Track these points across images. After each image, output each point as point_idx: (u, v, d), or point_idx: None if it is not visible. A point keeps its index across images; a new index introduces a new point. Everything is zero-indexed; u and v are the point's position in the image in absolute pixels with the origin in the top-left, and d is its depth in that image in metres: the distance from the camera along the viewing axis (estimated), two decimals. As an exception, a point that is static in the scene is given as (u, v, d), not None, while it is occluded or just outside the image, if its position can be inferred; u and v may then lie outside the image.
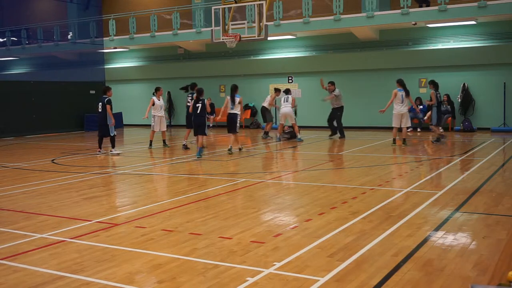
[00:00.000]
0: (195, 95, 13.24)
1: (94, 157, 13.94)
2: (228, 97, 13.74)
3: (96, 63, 25.91)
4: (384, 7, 19.78)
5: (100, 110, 14.12)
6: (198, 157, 12.65)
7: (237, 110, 13.58)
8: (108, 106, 13.93)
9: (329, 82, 17.14)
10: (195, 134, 13.11)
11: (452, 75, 19.79)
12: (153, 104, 14.99)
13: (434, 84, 14.60)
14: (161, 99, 15.20)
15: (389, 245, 5.32)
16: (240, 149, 14.03)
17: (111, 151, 14.10)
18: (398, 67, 20.58)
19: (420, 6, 18.91)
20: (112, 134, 14.10)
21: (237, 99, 13.56)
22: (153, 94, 15.21)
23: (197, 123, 12.96)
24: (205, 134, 13.21)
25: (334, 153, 13.74)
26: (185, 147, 14.64)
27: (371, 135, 18.35)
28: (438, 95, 14.63)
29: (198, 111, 12.84)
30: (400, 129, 14.28)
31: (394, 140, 14.49)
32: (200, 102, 12.83)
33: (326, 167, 11.36)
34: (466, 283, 4.26)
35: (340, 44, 21.58)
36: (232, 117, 13.58)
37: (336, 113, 17.10)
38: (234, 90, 13.75)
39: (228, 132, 14.08)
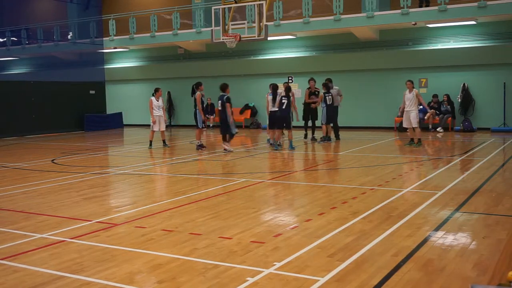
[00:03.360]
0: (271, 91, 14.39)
1: (94, 157, 13.93)
2: (269, 96, 14.45)
3: (96, 63, 25.93)
4: (384, 7, 19.78)
5: (220, 108, 14.03)
6: (291, 149, 13.82)
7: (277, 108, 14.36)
8: (228, 104, 13.69)
9: (326, 79, 16.42)
10: (279, 128, 14.06)
11: (452, 75, 19.79)
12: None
13: (326, 86, 15.54)
14: (160, 99, 15.22)
15: (389, 245, 5.32)
16: (278, 144, 14.70)
17: (225, 149, 13.89)
18: (398, 67, 20.59)
19: (420, 6, 18.92)
20: (233, 133, 13.97)
21: (277, 98, 14.25)
22: (153, 94, 15.25)
23: (283, 117, 13.82)
24: (290, 128, 14.07)
25: (334, 153, 13.74)
26: (279, 145, 14.61)
27: (371, 135, 18.35)
28: (328, 96, 15.54)
29: (284, 107, 13.68)
30: (413, 129, 14.14)
31: (412, 140, 14.34)
32: (286, 98, 13.68)
33: (326, 167, 11.36)
34: (466, 283, 4.26)
35: (340, 44, 21.58)
36: (273, 115, 14.33)
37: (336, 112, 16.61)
38: (276, 89, 14.52)
39: (269, 128, 14.79)
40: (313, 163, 11.99)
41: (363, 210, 6.87)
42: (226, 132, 13.91)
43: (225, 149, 13.79)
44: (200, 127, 14.46)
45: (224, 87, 14.19)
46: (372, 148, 14.38)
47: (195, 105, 14.57)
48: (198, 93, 14.27)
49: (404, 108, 14.01)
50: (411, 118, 13.85)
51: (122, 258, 5.11)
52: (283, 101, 13.71)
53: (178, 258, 5.04)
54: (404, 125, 14.25)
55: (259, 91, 22.66)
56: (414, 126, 13.95)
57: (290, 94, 14.02)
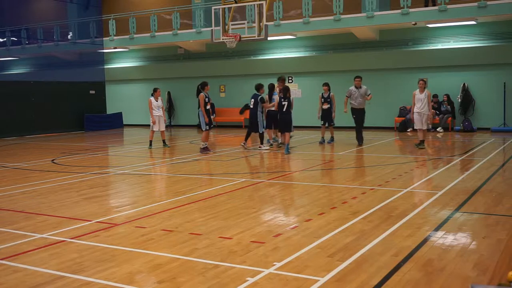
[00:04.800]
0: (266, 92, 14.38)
1: (94, 157, 13.93)
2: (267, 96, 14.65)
3: (96, 63, 25.92)
4: (384, 7, 19.78)
5: (251, 107, 14.19)
6: (286, 154, 13.18)
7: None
8: (264, 104, 14.09)
9: (356, 77, 15.01)
10: (282, 131, 13.55)
11: (452, 75, 19.79)
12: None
13: (327, 85, 15.19)
14: (159, 99, 15.22)
15: (389, 245, 5.32)
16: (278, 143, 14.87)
17: (259, 147, 14.27)
18: (398, 67, 20.60)
19: (426, 5, 18.95)
20: (261, 131, 14.24)
21: (275, 97, 14.13)
22: (152, 94, 15.25)
23: (284, 120, 13.28)
24: (291, 131, 13.55)
25: (334, 153, 13.74)
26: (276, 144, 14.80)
27: (371, 135, 18.34)
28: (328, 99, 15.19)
29: (285, 109, 13.18)
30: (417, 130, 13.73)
31: (421, 141, 13.82)
32: (287, 100, 13.20)
33: (326, 167, 11.36)
34: (466, 283, 4.26)
35: (340, 44, 21.58)
36: (272, 115, 14.26)
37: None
38: (271, 89, 14.59)
39: (267, 128, 14.85)
40: (313, 163, 11.99)
41: (363, 210, 6.87)
42: (254, 130, 14.25)
43: (259, 147, 14.26)
44: (204, 129, 13.81)
45: (258, 87, 14.37)
46: (372, 148, 14.37)
47: (199, 106, 14.15)
48: (201, 94, 13.81)
49: (414, 109, 13.41)
50: (424, 119, 13.30)
51: (122, 258, 5.11)
52: (283, 103, 13.22)
53: (178, 258, 5.04)
54: (416, 126, 13.62)
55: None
56: (426, 128, 13.46)
57: (288, 95, 13.58)
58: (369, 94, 15.01)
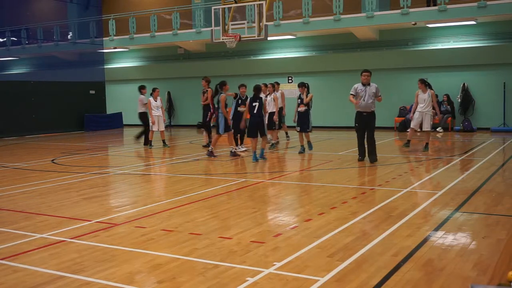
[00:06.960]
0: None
1: (94, 157, 13.93)
2: (268, 97, 14.36)
3: (96, 63, 25.93)
4: (384, 7, 19.80)
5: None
6: (258, 159, 12.03)
7: (270, 109, 14.06)
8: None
9: (365, 71, 11.46)
10: (250, 136, 12.17)
11: (452, 75, 19.80)
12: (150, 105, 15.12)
13: (303, 85, 13.21)
14: (158, 99, 15.24)
15: (389, 245, 5.32)
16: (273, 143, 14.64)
17: (209, 149, 13.20)
18: (398, 67, 20.60)
19: (428, 5, 18.98)
20: (220, 133, 12.90)
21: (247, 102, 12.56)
22: (150, 94, 15.29)
23: (255, 123, 12.04)
24: (265, 135, 12.26)
25: (334, 153, 13.73)
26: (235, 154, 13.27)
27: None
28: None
29: (255, 111, 11.95)
30: (415, 131, 13.37)
31: (409, 141, 13.53)
32: (258, 101, 11.94)
33: (326, 167, 11.35)
34: (466, 283, 4.26)
35: (340, 44, 21.59)
36: (269, 116, 13.90)
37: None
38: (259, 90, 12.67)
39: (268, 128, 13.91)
40: (312, 163, 11.99)
41: (363, 210, 6.88)
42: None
43: (209, 149, 13.12)
44: (222, 133, 12.74)
45: (221, 85, 13.14)
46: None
47: (219, 108, 12.74)
48: (222, 95, 12.58)
49: (415, 108, 12.99)
50: (425, 120, 12.87)
51: (122, 258, 5.11)
52: (253, 104, 11.94)
53: (178, 258, 5.04)
54: (412, 125, 13.19)
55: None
56: (426, 129, 12.96)
57: (262, 95, 12.33)
58: (379, 96, 11.55)
